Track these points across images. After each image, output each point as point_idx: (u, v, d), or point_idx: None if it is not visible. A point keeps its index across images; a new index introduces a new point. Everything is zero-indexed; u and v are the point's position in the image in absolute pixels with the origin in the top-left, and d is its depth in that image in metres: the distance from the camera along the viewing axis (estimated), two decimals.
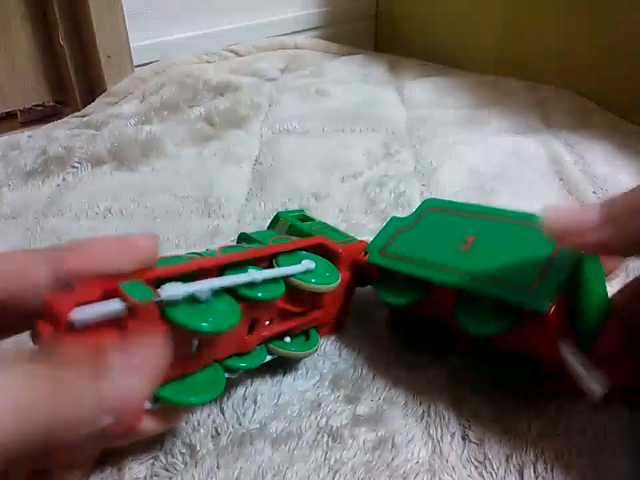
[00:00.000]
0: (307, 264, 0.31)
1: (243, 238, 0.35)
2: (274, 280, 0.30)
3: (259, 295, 0.28)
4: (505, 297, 0.28)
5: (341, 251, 0.34)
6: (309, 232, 0.36)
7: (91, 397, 0.18)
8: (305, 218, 0.39)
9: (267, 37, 0.90)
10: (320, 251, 0.34)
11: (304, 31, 0.95)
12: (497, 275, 0.29)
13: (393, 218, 0.37)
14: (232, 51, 0.86)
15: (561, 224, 0.23)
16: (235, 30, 0.88)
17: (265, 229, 0.39)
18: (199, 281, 0.24)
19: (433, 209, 0.36)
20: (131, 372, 0.20)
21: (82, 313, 0.20)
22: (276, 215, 0.38)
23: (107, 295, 0.22)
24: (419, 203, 0.38)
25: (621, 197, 0.22)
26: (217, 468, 0.28)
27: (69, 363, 0.19)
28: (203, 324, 0.23)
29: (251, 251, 0.30)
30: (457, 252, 0.32)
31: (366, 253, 0.35)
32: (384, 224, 0.37)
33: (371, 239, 0.36)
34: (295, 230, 0.36)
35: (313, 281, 0.31)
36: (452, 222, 0.34)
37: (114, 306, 0.21)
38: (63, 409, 0.18)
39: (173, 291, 0.23)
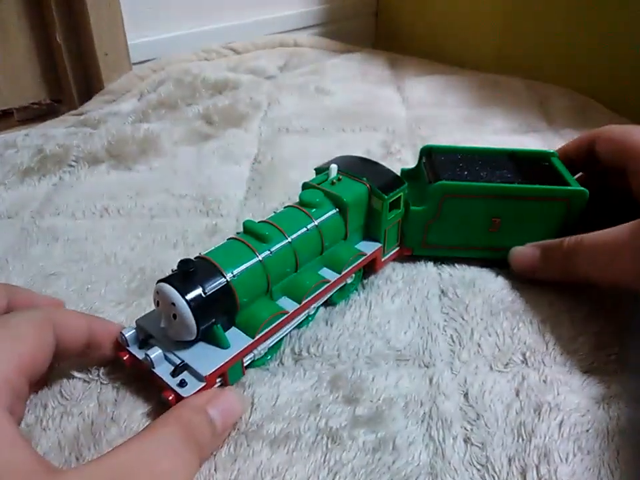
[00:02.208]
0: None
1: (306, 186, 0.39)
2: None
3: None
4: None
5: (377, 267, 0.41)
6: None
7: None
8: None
9: (266, 35, 0.90)
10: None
11: (303, 28, 0.95)
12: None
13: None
14: (230, 49, 0.86)
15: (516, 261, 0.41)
16: (233, 27, 0.87)
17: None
18: (266, 342, 0.33)
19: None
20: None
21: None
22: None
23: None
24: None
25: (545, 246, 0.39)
26: (215, 470, 0.28)
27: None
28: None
29: (327, 288, 0.36)
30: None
31: (407, 248, 0.42)
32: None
33: None
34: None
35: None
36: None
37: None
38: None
39: (255, 353, 0.33)
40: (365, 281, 0.40)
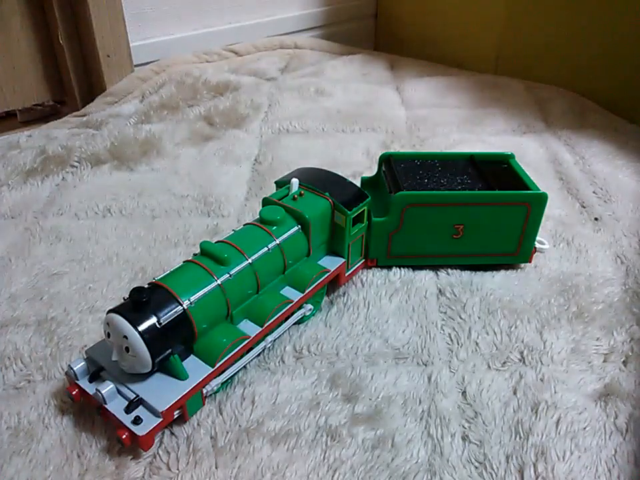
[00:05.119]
0: (306, 309, 0.37)
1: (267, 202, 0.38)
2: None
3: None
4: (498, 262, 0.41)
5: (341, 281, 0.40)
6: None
7: None
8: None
9: (267, 37, 0.90)
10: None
11: (304, 30, 0.95)
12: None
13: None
14: (232, 51, 0.86)
15: None
16: (234, 29, 0.88)
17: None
18: (228, 370, 0.32)
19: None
20: None
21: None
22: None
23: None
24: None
25: None
26: (216, 467, 0.28)
27: None
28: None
29: (290, 307, 0.35)
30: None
31: (372, 259, 0.41)
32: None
33: None
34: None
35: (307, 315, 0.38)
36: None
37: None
38: None
39: (214, 385, 0.31)
40: (364, 281, 0.41)
